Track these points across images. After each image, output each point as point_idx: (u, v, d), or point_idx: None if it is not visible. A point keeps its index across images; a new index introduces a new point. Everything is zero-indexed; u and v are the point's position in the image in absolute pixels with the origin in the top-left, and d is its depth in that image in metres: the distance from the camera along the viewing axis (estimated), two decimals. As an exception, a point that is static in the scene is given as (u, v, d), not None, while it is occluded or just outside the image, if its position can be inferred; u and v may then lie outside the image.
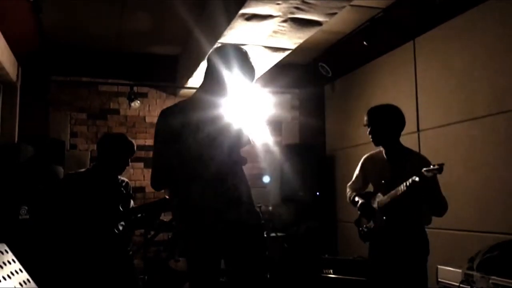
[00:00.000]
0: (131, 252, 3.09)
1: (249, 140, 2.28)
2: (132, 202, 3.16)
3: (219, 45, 2.38)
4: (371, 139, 2.84)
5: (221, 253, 2.14)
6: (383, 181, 2.80)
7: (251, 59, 2.24)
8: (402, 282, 2.68)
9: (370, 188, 3.02)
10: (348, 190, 3.09)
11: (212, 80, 2.22)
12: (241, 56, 2.21)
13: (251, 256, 2.16)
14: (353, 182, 3.07)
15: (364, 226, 2.89)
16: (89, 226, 2.79)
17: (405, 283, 2.67)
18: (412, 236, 2.69)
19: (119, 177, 3.09)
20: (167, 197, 3.01)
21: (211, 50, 2.26)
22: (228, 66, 2.17)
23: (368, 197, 2.92)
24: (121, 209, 3.01)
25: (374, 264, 2.85)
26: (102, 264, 2.80)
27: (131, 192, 3.15)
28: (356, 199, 2.95)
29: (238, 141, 2.22)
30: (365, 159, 3.00)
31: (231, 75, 2.17)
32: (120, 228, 2.96)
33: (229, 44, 2.32)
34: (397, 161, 2.77)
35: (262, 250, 2.22)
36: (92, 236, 2.79)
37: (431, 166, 2.43)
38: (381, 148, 2.87)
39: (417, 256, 2.68)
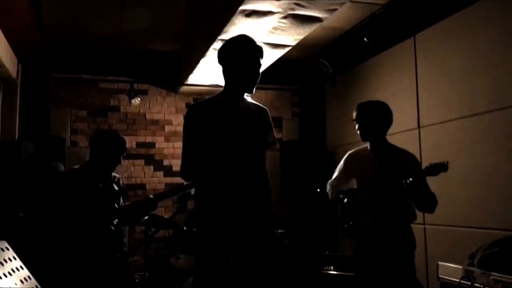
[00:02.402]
0: (125, 248, 3.10)
1: (274, 140, 2.37)
2: (121, 198, 3.17)
3: (220, 44, 2.45)
4: (359, 135, 2.84)
5: (232, 251, 2.18)
6: (369, 179, 2.79)
7: (252, 42, 2.27)
8: (392, 278, 2.69)
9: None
10: (328, 187, 3.07)
11: (229, 79, 2.28)
12: (243, 45, 2.25)
13: (260, 259, 2.20)
14: (335, 179, 3.04)
15: (350, 222, 2.88)
16: (86, 224, 2.79)
17: (395, 279, 2.68)
18: (400, 233, 2.71)
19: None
20: (151, 196, 3.03)
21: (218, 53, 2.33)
22: (234, 61, 2.23)
23: (353, 194, 2.89)
24: (116, 206, 3.03)
25: (361, 260, 2.86)
26: (101, 261, 2.81)
27: (121, 186, 3.16)
28: (341, 196, 2.94)
29: (263, 140, 2.31)
30: (349, 156, 2.98)
31: (242, 69, 2.22)
32: (115, 224, 2.98)
33: (229, 39, 2.35)
34: (384, 158, 2.77)
35: (270, 254, 2.26)
36: (90, 234, 2.79)
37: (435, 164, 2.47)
38: (366, 145, 2.88)
39: (405, 252, 2.70)
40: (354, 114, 2.83)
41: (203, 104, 2.30)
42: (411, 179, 2.53)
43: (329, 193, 3.06)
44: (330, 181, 3.08)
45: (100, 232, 2.85)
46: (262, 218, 2.23)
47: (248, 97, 2.35)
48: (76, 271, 2.72)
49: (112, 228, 2.93)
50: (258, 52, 2.26)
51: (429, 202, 2.72)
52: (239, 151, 2.21)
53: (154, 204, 2.98)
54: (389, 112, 2.80)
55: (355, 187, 2.95)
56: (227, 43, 2.30)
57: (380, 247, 2.73)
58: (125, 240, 3.09)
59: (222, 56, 2.27)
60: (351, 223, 2.87)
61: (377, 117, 2.77)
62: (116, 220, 2.99)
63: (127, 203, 3.16)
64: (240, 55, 2.21)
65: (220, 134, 2.19)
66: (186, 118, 2.29)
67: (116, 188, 3.07)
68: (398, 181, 2.63)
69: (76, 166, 3.05)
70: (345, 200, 2.89)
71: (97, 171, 2.97)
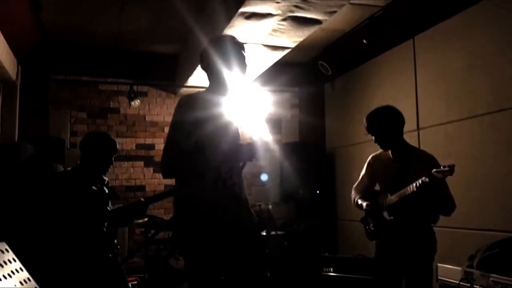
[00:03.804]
0: (116, 248, 3.11)
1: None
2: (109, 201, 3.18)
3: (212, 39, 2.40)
4: (379, 147, 2.83)
5: (223, 251, 2.14)
6: (389, 181, 2.80)
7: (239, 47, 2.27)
8: (407, 281, 2.68)
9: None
10: (353, 193, 3.07)
11: (215, 79, 2.25)
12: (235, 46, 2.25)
13: (251, 255, 2.18)
14: (358, 183, 3.05)
15: (371, 225, 2.89)
16: (80, 225, 2.80)
17: (409, 282, 2.67)
18: (419, 235, 2.68)
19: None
20: (142, 199, 3.03)
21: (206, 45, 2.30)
22: (225, 59, 2.20)
23: (374, 197, 2.90)
24: (108, 208, 3.06)
25: (380, 262, 2.85)
26: (94, 262, 2.81)
27: (111, 189, 3.17)
28: (360, 202, 2.94)
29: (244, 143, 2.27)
30: (371, 158, 2.99)
31: (228, 69, 2.20)
32: (106, 226, 2.99)
33: (225, 36, 2.35)
34: (403, 160, 2.76)
35: (262, 249, 2.24)
36: (83, 235, 2.80)
37: (441, 167, 2.38)
38: None
39: (423, 254, 2.66)
40: (365, 126, 2.83)
41: (198, 97, 2.24)
42: (423, 179, 2.47)
43: (352, 198, 3.05)
44: (354, 185, 3.08)
45: (93, 234, 2.86)
46: (247, 214, 2.23)
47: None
48: (70, 271, 2.72)
49: (104, 229, 2.96)
50: (240, 47, 2.26)
51: (444, 205, 2.66)
52: (229, 147, 2.19)
53: (145, 207, 2.99)
54: (398, 115, 2.79)
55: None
56: (209, 47, 2.27)
57: (398, 250, 2.72)
58: (115, 241, 3.10)
59: (208, 60, 2.25)
60: (371, 226, 2.88)
61: (389, 124, 2.76)
62: (107, 222, 3.00)
63: (125, 204, 3.17)
64: (225, 55, 2.20)
65: (209, 130, 2.14)
66: (183, 105, 2.16)
67: (106, 191, 3.09)
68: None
69: (69, 168, 3.06)
70: (365, 204, 2.89)
71: (90, 173, 2.98)
